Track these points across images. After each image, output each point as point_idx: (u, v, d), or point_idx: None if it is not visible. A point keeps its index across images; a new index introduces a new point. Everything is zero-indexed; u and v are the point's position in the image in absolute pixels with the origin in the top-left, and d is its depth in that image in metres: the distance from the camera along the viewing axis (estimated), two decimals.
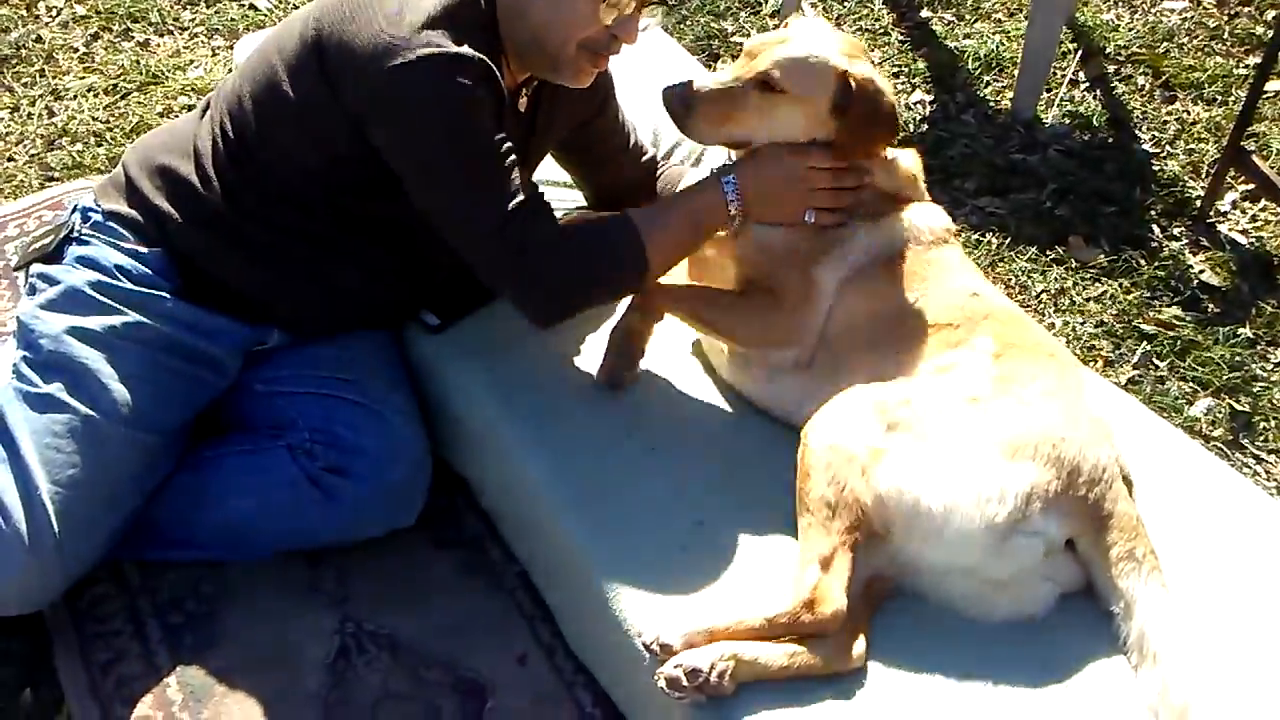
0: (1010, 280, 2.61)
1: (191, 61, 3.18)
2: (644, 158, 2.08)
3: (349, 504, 1.77)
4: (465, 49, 1.56)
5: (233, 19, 3.36)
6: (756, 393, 1.79)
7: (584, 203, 2.15)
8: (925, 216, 1.74)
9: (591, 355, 1.87)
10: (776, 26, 3.35)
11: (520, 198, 1.62)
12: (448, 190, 1.63)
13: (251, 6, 3.43)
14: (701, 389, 1.85)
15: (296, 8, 3.39)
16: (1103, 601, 1.47)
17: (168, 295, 1.75)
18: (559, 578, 1.74)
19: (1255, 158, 2.67)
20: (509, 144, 1.63)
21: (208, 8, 3.42)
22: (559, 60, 1.69)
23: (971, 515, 1.43)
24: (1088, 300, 2.56)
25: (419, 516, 1.85)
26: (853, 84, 1.64)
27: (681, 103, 1.69)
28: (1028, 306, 2.53)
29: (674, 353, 1.88)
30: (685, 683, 1.36)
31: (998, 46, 3.31)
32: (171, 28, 3.33)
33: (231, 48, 3.14)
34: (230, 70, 2.55)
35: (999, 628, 1.48)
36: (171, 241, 1.76)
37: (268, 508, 1.78)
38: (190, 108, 3.01)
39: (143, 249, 1.75)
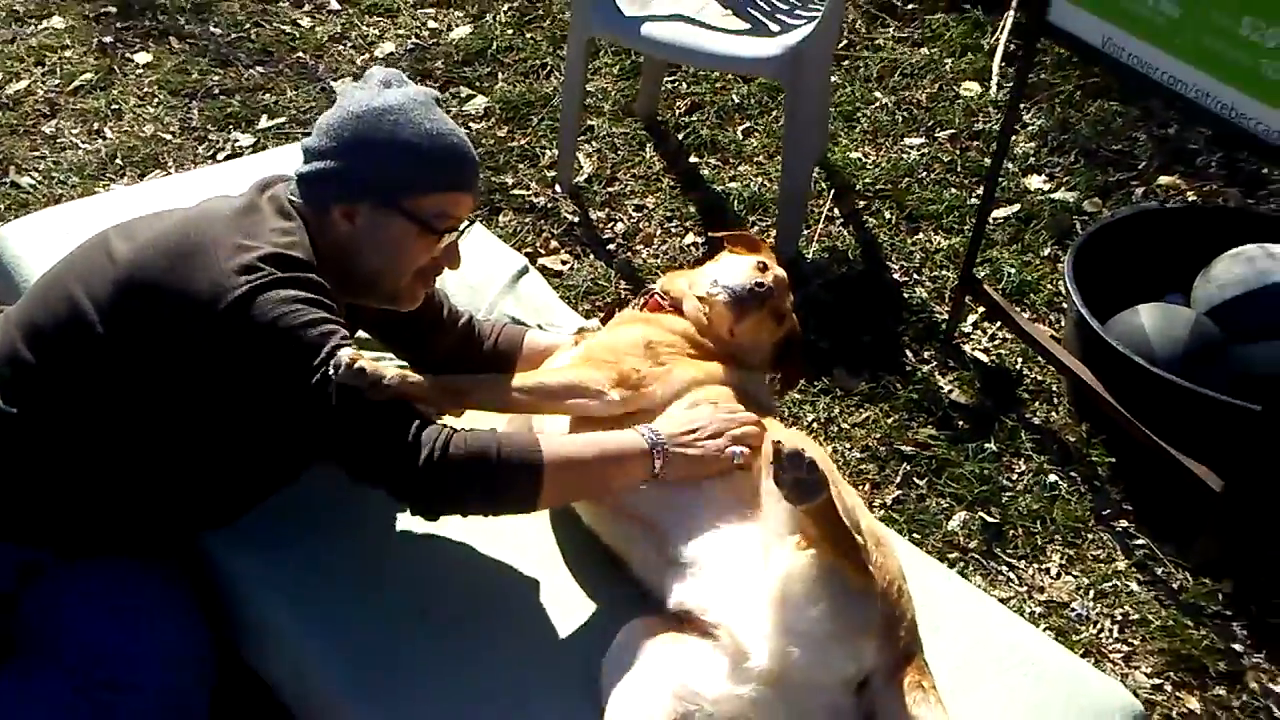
0: (785, 412, 2.78)
1: None
2: (460, 322, 2.13)
3: (124, 718, 1.70)
4: (302, 273, 1.63)
5: None
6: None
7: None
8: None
9: (381, 536, 1.88)
10: (555, 181, 3.54)
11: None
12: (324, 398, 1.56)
13: (14, 185, 3.35)
14: (506, 555, 1.88)
15: (61, 183, 3.35)
16: None
17: None
18: None
19: (986, 284, 2.96)
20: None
21: None
22: (395, 294, 1.81)
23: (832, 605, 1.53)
24: (853, 426, 2.75)
25: None
26: (798, 329, 2.03)
27: (766, 298, 1.90)
28: None
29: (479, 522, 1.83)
30: (801, 464, 1.45)
31: (760, 188, 3.57)
32: None
33: None
34: None
35: None
36: None
37: None
38: None
39: None
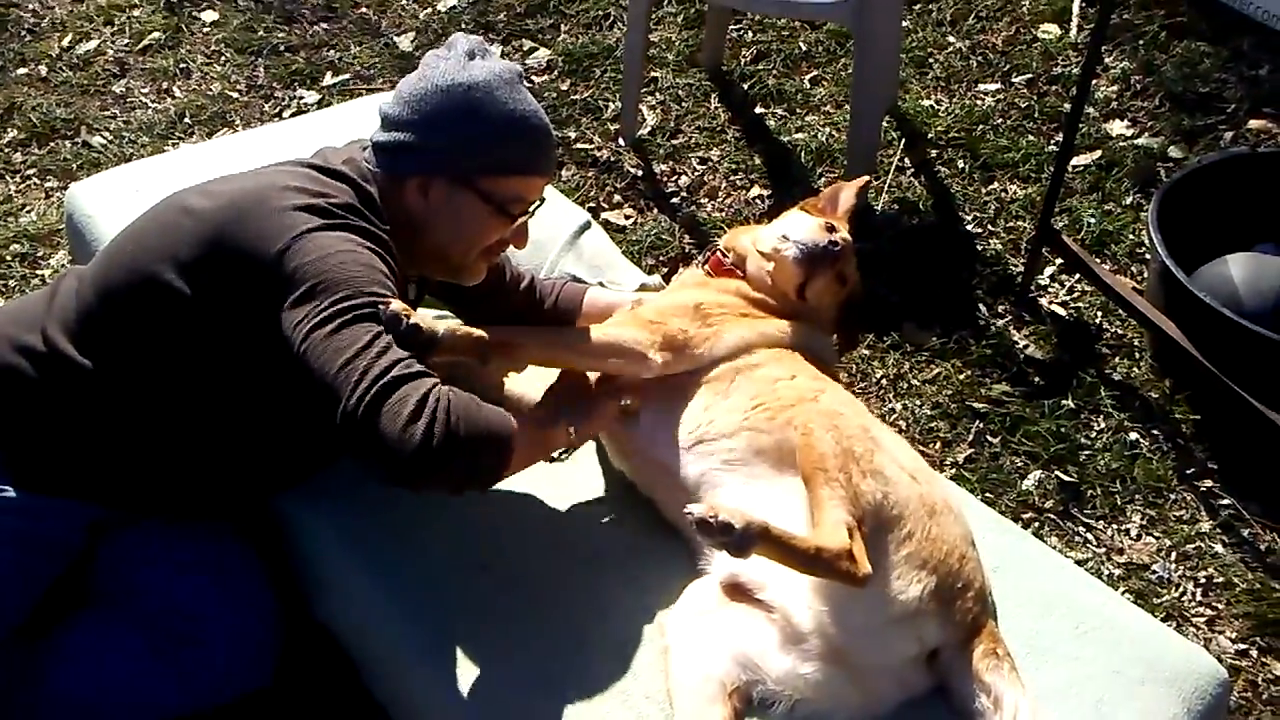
0: (851, 369, 2.72)
1: (24, 206, 3.13)
2: (522, 285, 2.11)
3: (196, 673, 1.73)
4: (370, 225, 1.64)
5: (66, 159, 3.31)
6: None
7: None
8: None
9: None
10: (619, 134, 3.49)
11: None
12: (339, 314, 1.49)
13: (85, 145, 3.39)
14: (571, 512, 1.88)
15: (132, 143, 3.39)
16: (965, 700, 1.55)
17: (9, 488, 1.69)
18: None
19: (1064, 235, 2.85)
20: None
21: (40, 148, 3.37)
22: (461, 268, 1.81)
23: (880, 590, 1.52)
24: (924, 383, 2.68)
25: (278, 676, 1.82)
26: (860, 292, 2.00)
27: (837, 258, 1.87)
28: (869, 393, 2.64)
29: (538, 472, 1.83)
30: (713, 527, 1.41)
31: (827, 139, 3.47)
32: (1, 171, 3.26)
33: (65, 188, 3.09)
34: (66, 215, 2.51)
35: None
36: (9, 432, 1.70)
37: (112, 687, 1.73)
38: (24, 257, 2.97)
39: None
